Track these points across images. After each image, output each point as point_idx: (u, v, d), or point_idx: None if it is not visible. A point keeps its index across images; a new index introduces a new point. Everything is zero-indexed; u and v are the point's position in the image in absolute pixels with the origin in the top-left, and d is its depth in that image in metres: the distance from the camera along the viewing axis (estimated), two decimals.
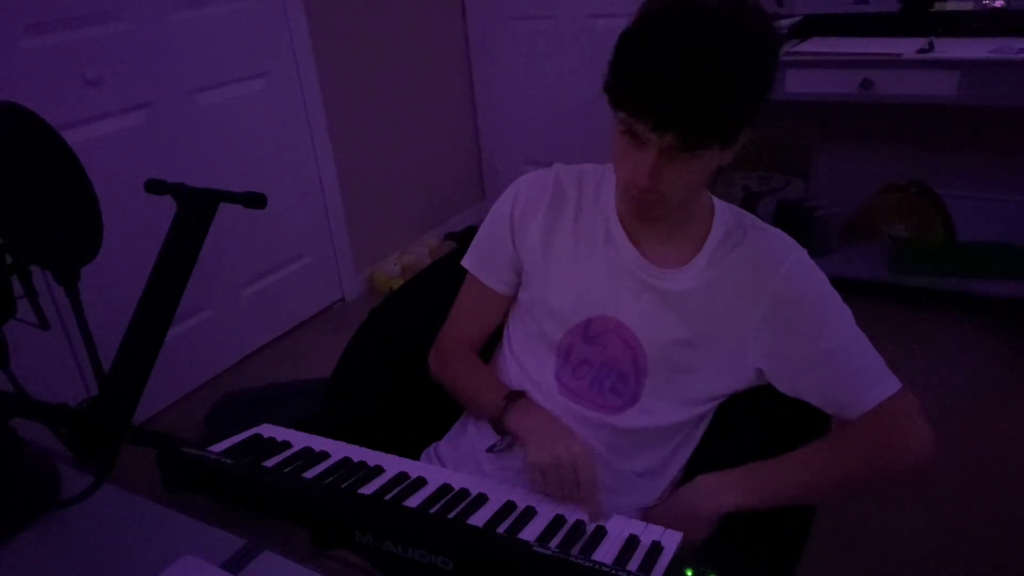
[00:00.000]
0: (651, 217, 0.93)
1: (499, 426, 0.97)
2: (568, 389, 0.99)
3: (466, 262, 1.10)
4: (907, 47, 2.32)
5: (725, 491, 0.88)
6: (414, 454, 1.08)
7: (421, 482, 0.84)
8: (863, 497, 1.74)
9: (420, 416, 1.16)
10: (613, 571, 0.62)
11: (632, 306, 0.97)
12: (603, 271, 0.98)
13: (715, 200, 0.99)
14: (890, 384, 0.90)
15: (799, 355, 0.91)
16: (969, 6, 2.56)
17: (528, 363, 1.03)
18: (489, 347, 1.14)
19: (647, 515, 0.95)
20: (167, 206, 0.99)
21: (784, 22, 2.62)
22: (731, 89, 0.79)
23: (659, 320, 0.95)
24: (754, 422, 1.00)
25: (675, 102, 0.79)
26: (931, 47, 2.29)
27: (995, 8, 2.52)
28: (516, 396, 0.98)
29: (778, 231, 0.97)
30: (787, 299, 0.91)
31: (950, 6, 2.59)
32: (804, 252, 0.94)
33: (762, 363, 0.94)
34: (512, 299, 1.10)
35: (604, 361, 0.98)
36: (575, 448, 0.87)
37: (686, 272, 0.95)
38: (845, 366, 0.90)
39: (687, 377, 0.96)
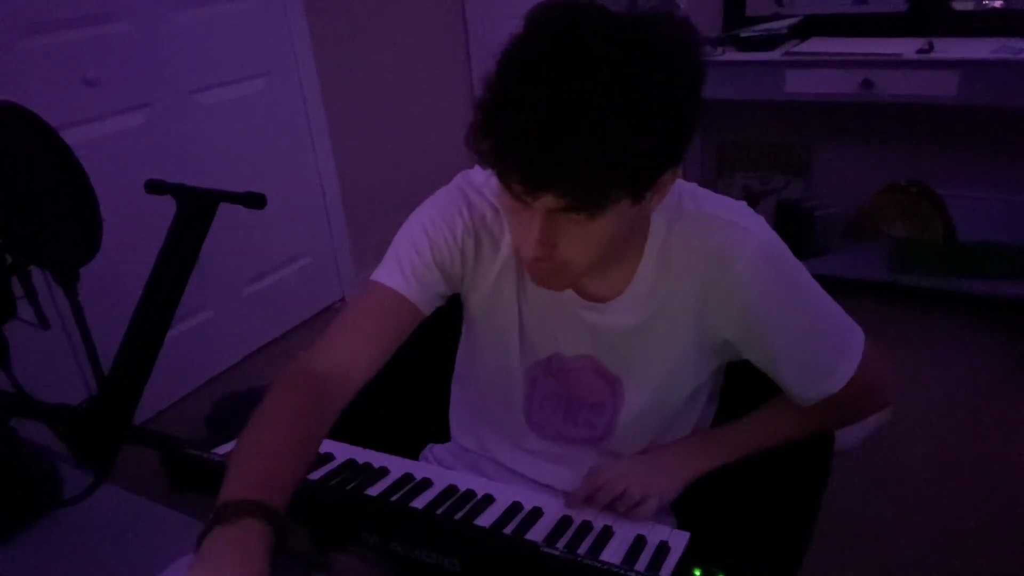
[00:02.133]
0: (556, 286, 0.78)
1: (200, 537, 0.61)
2: (540, 425, 0.95)
3: (384, 277, 0.87)
4: (907, 47, 2.32)
5: (697, 457, 0.89)
6: (412, 455, 1.08)
7: (427, 483, 0.84)
8: (866, 499, 1.75)
9: (419, 416, 1.15)
10: (622, 571, 0.62)
11: (590, 340, 0.87)
12: (553, 310, 0.87)
13: None
14: (856, 351, 0.84)
15: (765, 347, 0.85)
16: (969, 6, 2.56)
17: (493, 407, 0.97)
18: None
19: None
20: (167, 206, 0.99)
21: (784, 22, 2.62)
22: (621, 136, 0.62)
23: (620, 349, 0.87)
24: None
25: (544, 158, 0.62)
26: (931, 47, 2.29)
27: (995, 8, 2.52)
28: (252, 510, 0.61)
29: (726, 208, 0.82)
30: (742, 298, 0.80)
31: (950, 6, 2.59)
32: (757, 233, 0.80)
33: (734, 348, 0.88)
34: (420, 323, 0.89)
35: (572, 395, 0.92)
36: None
37: (628, 298, 0.84)
38: (814, 356, 0.85)
39: (665, 390, 0.90)
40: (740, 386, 0.98)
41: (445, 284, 0.88)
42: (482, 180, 0.89)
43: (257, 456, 0.68)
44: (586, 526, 0.76)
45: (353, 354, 0.82)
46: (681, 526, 0.87)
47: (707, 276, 0.80)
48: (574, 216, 0.67)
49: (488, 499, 0.81)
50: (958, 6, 2.57)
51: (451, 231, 0.87)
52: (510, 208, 0.72)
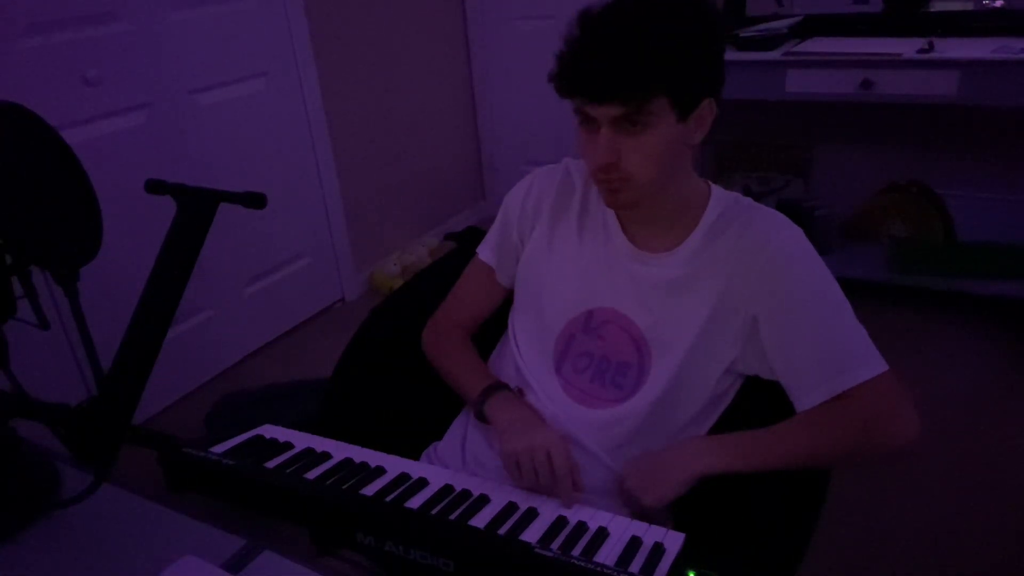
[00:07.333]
0: (624, 202, 0.93)
1: (479, 414, 1.00)
2: (571, 386, 0.99)
3: (480, 248, 1.13)
4: (907, 47, 2.32)
5: (710, 453, 0.90)
6: (414, 454, 1.08)
7: (423, 483, 0.84)
8: (865, 500, 1.75)
9: (420, 416, 1.16)
10: (615, 573, 0.62)
11: (629, 295, 0.97)
12: (602, 262, 1.00)
13: (715, 187, 0.99)
14: (876, 365, 0.89)
15: (788, 328, 0.91)
16: (969, 6, 2.56)
17: (528, 360, 1.03)
18: (483, 333, 1.15)
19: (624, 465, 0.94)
20: (167, 206, 0.98)
21: (784, 22, 2.62)
22: (655, 44, 0.82)
23: (656, 307, 0.96)
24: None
25: (600, 67, 0.82)
26: (931, 47, 2.29)
27: (995, 8, 2.52)
28: (495, 389, 1.01)
29: (775, 211, 0.96)
30: (775, 274, 0.91)
31: (949, 6, 2.59)
32: (798, 231, 0.94)
33: (758, 332, 0.93)
34: (510, 291, 1.11)
35: (604, 353, 0.98)
36: (549, 436, 0.89)
37: (676, 256, 0.96)
38: (833, 345, 0.90)
39: (693, 358, 0.95)
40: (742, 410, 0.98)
41: (511, 253, 1.09)
42: (542, 170, 1.09)
43: (469, 368, 1.08)
44: (581, 527, 0.76)
45: (460, 313, 1.14)
46: (679, 526, 0.87)
47: (746, 249, 0.92)
48: (630, 127, 0.85)
49: (483, 499, 0.81)
50: (956, 6, 2.56)
51: (512, 207, 1.08)
52: (585, 138, 0.89)
